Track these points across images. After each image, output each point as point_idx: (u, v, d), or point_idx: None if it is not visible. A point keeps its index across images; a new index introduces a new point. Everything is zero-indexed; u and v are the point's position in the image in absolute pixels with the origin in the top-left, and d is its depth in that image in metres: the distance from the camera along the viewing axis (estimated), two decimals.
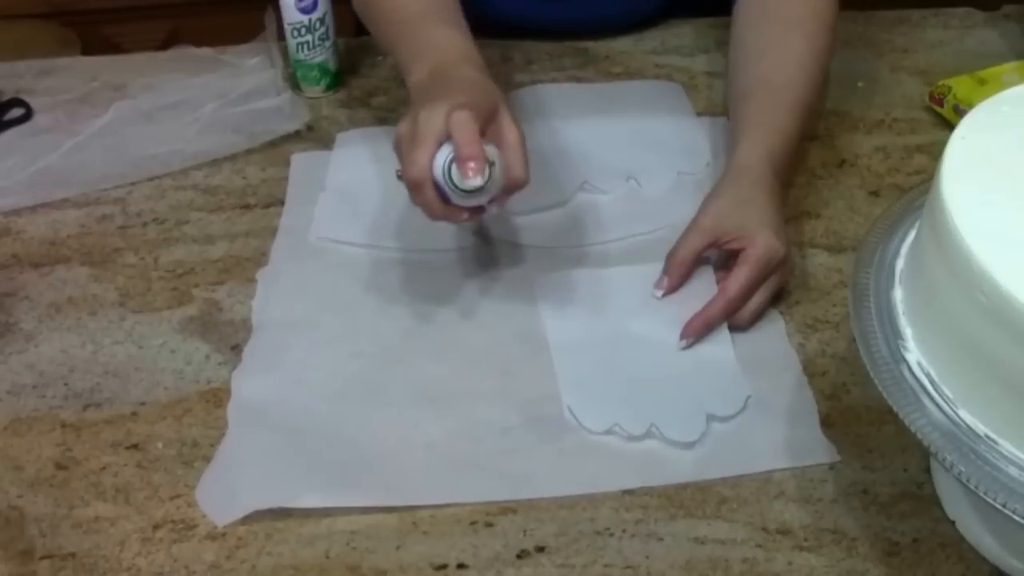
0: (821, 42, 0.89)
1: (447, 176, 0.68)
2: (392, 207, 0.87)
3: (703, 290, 0.77)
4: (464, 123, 0.68)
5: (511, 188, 0.71)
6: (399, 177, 0.71)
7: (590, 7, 1.05)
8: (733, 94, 0.88)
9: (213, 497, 0.66)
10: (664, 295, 0.77)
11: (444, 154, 0.68)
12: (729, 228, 0.76)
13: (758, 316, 0.76)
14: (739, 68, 0.89)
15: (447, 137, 0.68)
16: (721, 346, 0.74)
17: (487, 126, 0.71)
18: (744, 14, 0.93)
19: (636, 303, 0.77)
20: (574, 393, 0.72)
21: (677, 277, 0.77)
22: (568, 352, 0.75)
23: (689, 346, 0.74)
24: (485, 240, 0.85)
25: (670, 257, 0.77)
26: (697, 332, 0.74)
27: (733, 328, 0.75)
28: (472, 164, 0.67)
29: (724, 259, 0.78)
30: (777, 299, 0.78)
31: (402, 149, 0.71)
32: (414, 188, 0.70)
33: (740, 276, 0.74)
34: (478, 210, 0.72)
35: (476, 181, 0.67)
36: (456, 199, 0.69)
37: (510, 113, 0.72)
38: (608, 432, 0.69)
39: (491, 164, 0.68)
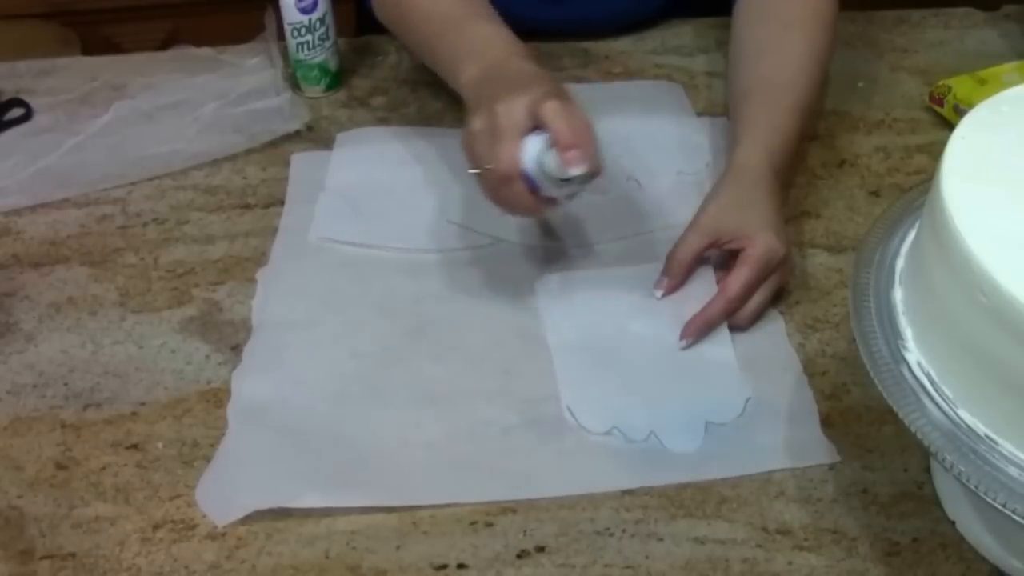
0: (821, 42, 0.88)
1: (541, 166, 0.68)
2: (392, 207, 0.87)
3: (703, 290, 0.77)
4: (560, 112, 0.68)
5: (591, 176, 0.71)
6: (475, 173, 0.71)
7: (590, 7, 1.05)
8: (733, 94, 0.88)
9: (213, 497, 0.66)
10: (664, 295, 0.77)
11: (535, 145, 0.68)
12: (729, 228, 0.76)
13: (758, 316, 0.76)
14: (739, 68, 0.89)
15: (530, 129, 0.68)
16: (721, 347, 0.74)
17: None
18: (744, 14, 0.93)
19: (636, 303, 0.78)
20: (574, 393, 0.72)
21: (677, 277, 0.77)
22: (568, 352, 0.75)
23: (689, 346, 0.74)
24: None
25: (670, 257, 0.77)
26: (697, 332, 0.74)
27: (733, 328, 0.75)
28: (575, 152, 0.67)
29: (724, 259, 0.78)
30: (777, 299, 0.78)
31: (479, 146, 0.71)
32: (504, 182, 0.70)
33: (740, 276, 0.74)
34: (552, 201, 0.72)
35: (581, 168, 0.67)
36: (549, 189, 0.69)
37: (576, 102, 0.72)
38: (607, 434, 0.69)
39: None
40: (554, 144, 0.68)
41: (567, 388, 0.72)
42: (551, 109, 0.68)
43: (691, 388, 0.72)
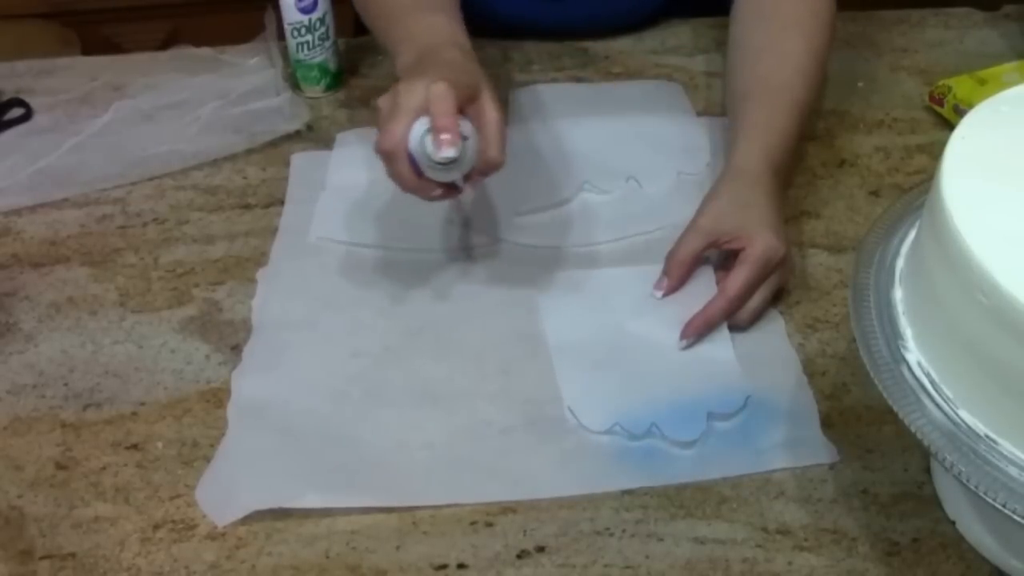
0: (819, 41, 0.88)
1: (422, 148, 0.69)
2: (392, 207, 0.87)
3: (703, 290, 0.77)
4: (441, 96, 0.68)
5: (486, 169, 0.72)
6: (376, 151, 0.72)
7: (590, 7, 1.05)
8: (731, 94, 0.88)
9: (213, 497, 0.66)
10: (664, 295, 0.77)
11: (420, 126, 0.69)
12: (728, 229, 0.76)
13: (758, 316, 0.76)
14: (737, 68, 0.89)
15: (424, 111, 0.69)
16: (721, 346, 0.74)
17: (468, 105, 0.71)
18: (742, 14, 0.93)
19: (635, 303, 0.78)
20: (574, 393, 0.72)
21: (677, 278, 0.77)
22: (568, 352, 0.75)
23: (689, 346, 0.74)
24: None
25: (669, 258, 0.77)
26: (697, 332, 0.74)
27: (733, 328, 0.75)
28: (446, 136, 0.68)
29: (724, 259, 0.78)
30: (777, 299, 0.78)
31: (379, 123, 0.72)
32: (388, 159, 0.71)
33: (740, 276, 0.74)
34: (452, 189, 0.72)
35: (448, 153, 0.68)
36: (429, 172, 0.70)
37: (492, 96, 0.73)
38: (608, 432, 0.69)
39: (465, 139, 0.69)
40: (431, 127, 0.69)
41: (568, 388, 0.72)
42: (435, 91, 0.69)
43: (692, 384, 0.72)
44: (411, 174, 0.71)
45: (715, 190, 0.79)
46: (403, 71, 0.78)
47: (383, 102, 0.72)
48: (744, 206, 0.77)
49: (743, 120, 0.84)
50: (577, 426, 0.70)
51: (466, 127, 0.70)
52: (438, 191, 0.72)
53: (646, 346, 0.75)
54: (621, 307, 0.78)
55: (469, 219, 0.86)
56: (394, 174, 0.72)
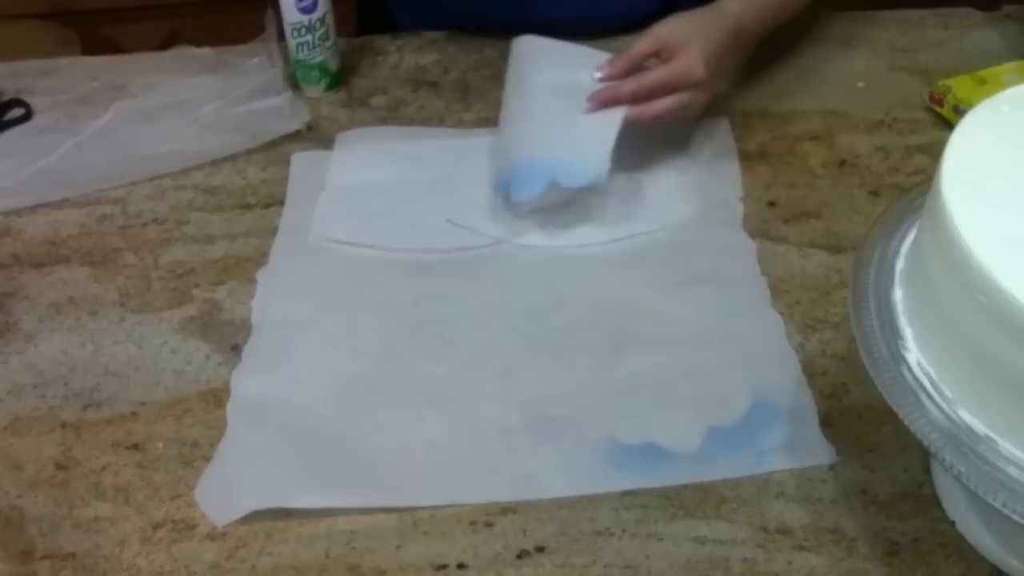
0: None
1: None
2: (392, 207, 0.87)
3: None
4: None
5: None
6: None
7: (589, 6, 1.05)
8: None
9: (212, 497, 0.66)
10: (600, 79, 0.85)
11: None
12: (675, 39, 0.84)
13: (659, 118, 0.84)
14: None
15: None
16: (605, 125, 0.82)
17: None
18: None
19: (571, 78, 0.86)
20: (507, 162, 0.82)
21: (619, 67, 0.85)
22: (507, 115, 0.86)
23: (591, 111, 0.83)
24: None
25: (620, 55, 0.86)
26: (602, 101, 0.83)
27: (632, 120, 0.83)
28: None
29: None
30: (777, 298, 0.78)
31: None
32: None
33: (656, 73, 0.83)
34: None
35: None
36: None
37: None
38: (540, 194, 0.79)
39: None
40: None
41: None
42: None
43: (550, 149, 0.82)
44: None
45: (685, 12, 0.87)
46: None
47: None
48: (698, 30, 0.85)
49: None
50: (568, 416, 0.70)
51: None
52: None
53: (547, 110, 0.84)
54: (555, 76, 0.87)
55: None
56: None
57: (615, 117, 0.83)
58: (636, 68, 0.86)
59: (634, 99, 0.83)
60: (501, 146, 0.87)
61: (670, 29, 0.85)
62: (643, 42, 0.85)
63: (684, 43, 0.84)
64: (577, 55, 0.89)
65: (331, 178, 0.91)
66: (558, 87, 0.86)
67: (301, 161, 0.93)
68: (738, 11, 0.88)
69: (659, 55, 0.85)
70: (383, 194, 0.88)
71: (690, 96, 0.84)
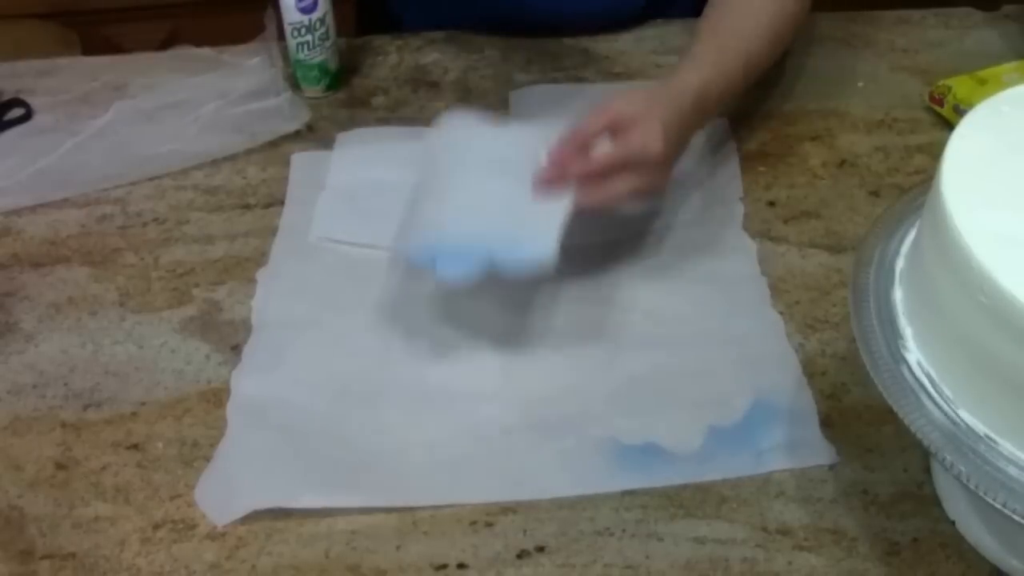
0: (792, 7, 0.88)
1: None
2: (392, 207, 0.87)
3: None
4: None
5: None
6: None
7: (588, 4, 1.05)
8: (693, 33, 0.88)
9: (212, 497, 0.66)
10: (548, 160, 0.75)
11: None
12: (629, 113, 0.75)
13: (609, 202, 0.74)
14: (704, 17, 0.89)
15: None
16: (549, 207, 0.72)
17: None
18: None
19: (520, 160, 0.76)
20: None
21: (567, 144, 0.75)
22: (429, 188, 0.77)
23: (538, 194, 0.73)
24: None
25: (569, 131, 0.76)
26: (549, 180, 0.73)
27: (580, 206, 0.73)
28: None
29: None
30: (777, 298, 0.78)
31: None
32: None
33: (607, 150, 0.73)
34: None
35: None
36: None
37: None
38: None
39: None
40: None
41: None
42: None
43: (492, 229, 0.72)
44: None
45: (640, 88, 0.79)
46: None
47: None
48: (654, 104, 0.76)
49: (692, 55, 0.83)
50: (568, 416, 0.70)
51: None
52: None
53: (490, 190, 0.75)
54: (504, 158, 0.77)
55: None
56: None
57: (561, 202, 0.72)
58: (584, 143, 0.75)
59: (584, 180, 0.73)
60: (420, 217, 0.76)
61: (625, 101, 0.76)
62: (595, 117, 0.75)
63: (640, 117, 0.74)
64: (517, 134, 0.80)
65: (331, 178, 0.91)
66: (495, 166, 0.76)
67: (301, 161, 0.93)
68: (699, 82, 0.79)
69: (613, 131, 0.74)
70: (383, 194, 0.88)
71: (647, 177, 0.74)
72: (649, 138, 0.73)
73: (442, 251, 0.70)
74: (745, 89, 0.87)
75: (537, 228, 0.71)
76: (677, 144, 0.77)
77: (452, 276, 0.69)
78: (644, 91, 0.78)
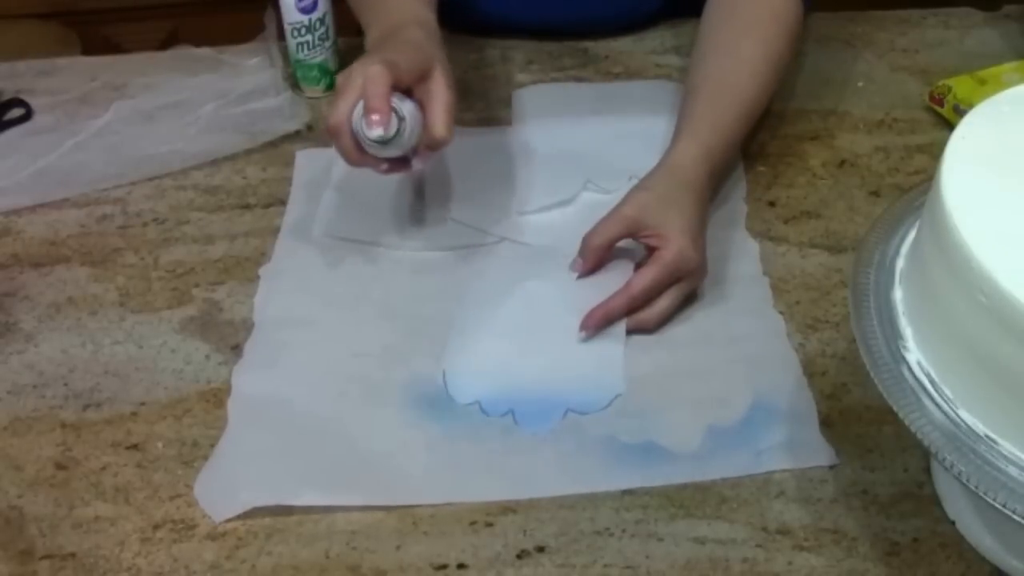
0: (777, 46, 0.88)
1: (359, 126, 0.72)
2: (395, 205, 0.87)
3: (619, 281, 0.76)
4: (374, 76, 0.71)
5: (432, 145, 0.74)
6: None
7: (589, 7, 1.05)
8: (685, 90, 0.88)
9: (211, 493, 0.66)
10: (580, 277, 0.78)
11: (360, 106, 0.72)
12: (649, 223, 0.75)
13: (665, 319, 0.75)
14: (694, 66, 0.89)
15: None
16: (610, 344, 0.74)
17: (418, 84, 0.74)
18: (709, 14, 0.92)
19: (553, 283, 0.78)
20: (454, 361, 0.74)
21: (592, 262, 0.77)
22: (468, 320, 0.76)
23: (588, 338, 0.74)
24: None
25: (586, 240, 0.77)
26: (596, 324, 0.74)
27: (640, 331, 0.75)
28: (374, 116, 0.71)
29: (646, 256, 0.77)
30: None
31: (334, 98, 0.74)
32: (332, 134, 0.73)
33: (647, 275, 0.74)
34: (401, 163, 0.76)
35: (377, 131, 0.71)
36: (369, 149, 0.73)
37: (444, 74, 0.75)
38: (469, 406, 0.71)
39: (401, 119, 0.72)
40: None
41: (451, 355, 0.74)
42: (370, 73, 0.71)
43: (559, 376, 0.72)
44: (353, 150, 0.74)
45: (647, 181, 0.79)
46: (369, 48, 0.81)
47: (340, 79, 0.74)
48: (670, 205, 0.76)
49: (688, 116, 0.83)
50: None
51: (406, 107, 0.73)
52: (384, 166, 0.75)
53: (543, 328, 0.75)
54: (536, 284, 0.78)
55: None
56: (339, 149, 0.74)
57: (617, 333, 0.74)
58: (606, 256, 0.77)
59: (627, 311, 0.74)
60: (470, 351, 0.75)
61: (638, 207, 0.76)
62: (610, 227, 0.76)
63: (661, 225, 0.75)
64: (541, 258, 0.81)
65: (335, 176, 0.91)
66: (532, 298, 0.77)
67: (305, 158, 0.93)
68: (695, 151, 0.80)
69: (632, 235, 0.76)
70: (387, 192, 0.88)
71: (686, 285, 0.76)
72: (680, 250, 0.74)
73: (520, 404, 0.71)
74: (745, 134, 0.86)
75: (601, 368, 0.73)
76: (702, 239, 0.77)
77: (535, 430, 0.69)
78: (652, 192, 0.77)
